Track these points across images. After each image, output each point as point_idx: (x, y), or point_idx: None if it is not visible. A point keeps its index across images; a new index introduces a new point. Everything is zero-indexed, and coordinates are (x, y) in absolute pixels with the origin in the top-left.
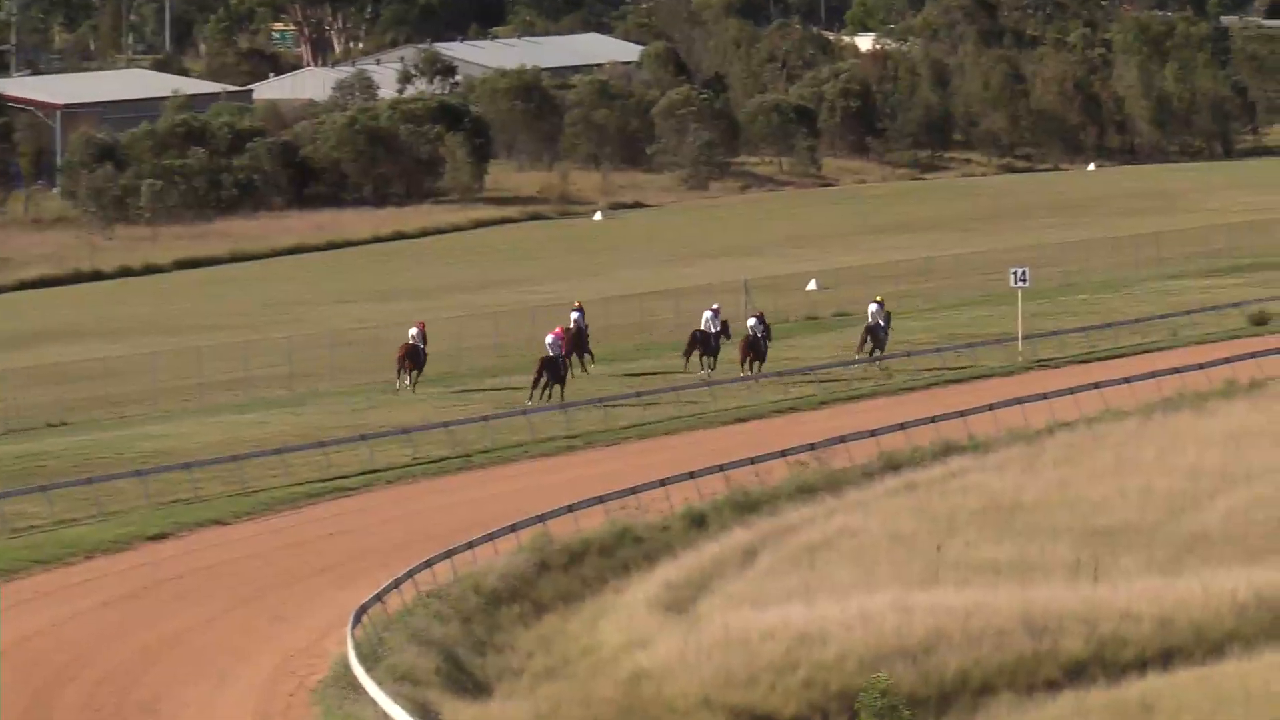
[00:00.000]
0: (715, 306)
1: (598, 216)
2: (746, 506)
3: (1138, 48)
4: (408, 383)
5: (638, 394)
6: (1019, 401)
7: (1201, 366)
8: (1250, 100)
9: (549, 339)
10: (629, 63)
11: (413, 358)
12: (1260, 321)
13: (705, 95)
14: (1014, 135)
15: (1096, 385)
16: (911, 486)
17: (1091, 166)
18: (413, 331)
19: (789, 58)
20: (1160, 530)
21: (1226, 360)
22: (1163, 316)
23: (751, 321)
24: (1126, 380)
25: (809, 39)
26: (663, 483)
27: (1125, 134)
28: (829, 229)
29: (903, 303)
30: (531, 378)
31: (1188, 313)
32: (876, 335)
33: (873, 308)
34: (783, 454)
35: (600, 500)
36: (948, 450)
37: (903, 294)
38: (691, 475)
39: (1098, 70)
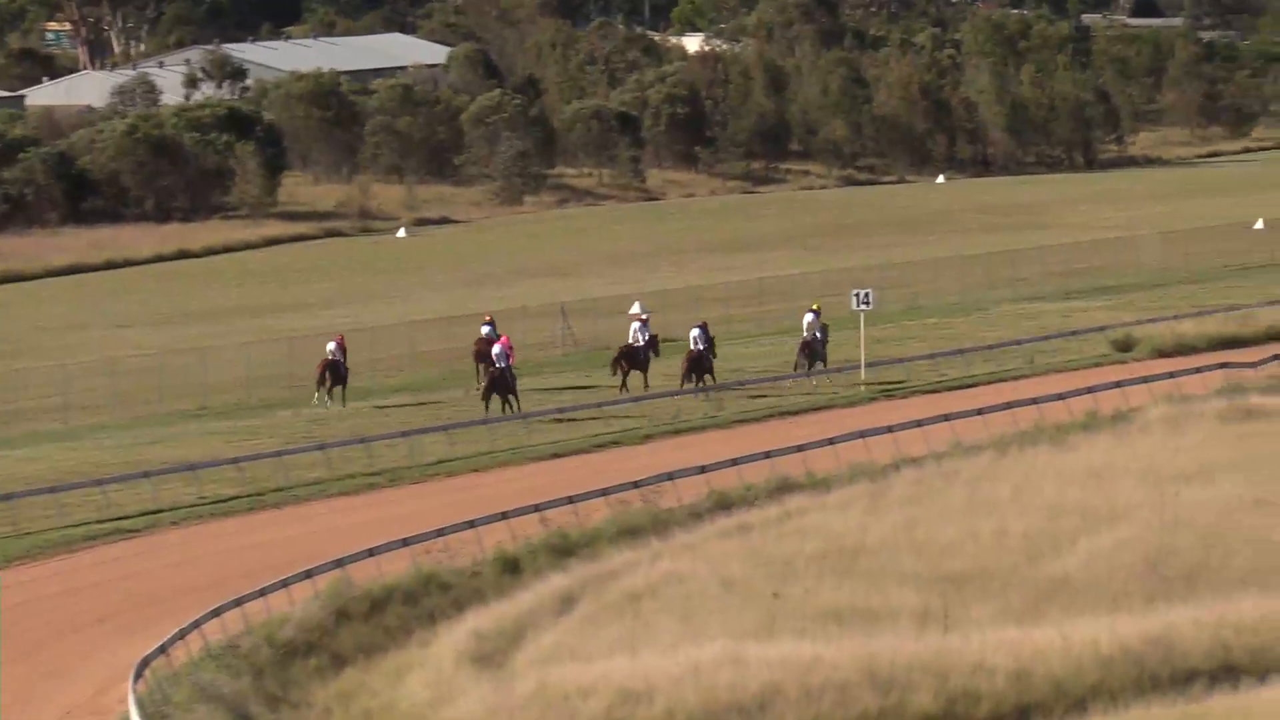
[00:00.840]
0: (644, 316)
1: (401, 233)
2: (564, 550)
3: (990, 49)
4: (328, 400)
5: (444, 427)
6: (861, 435)
7: (1061, 397)
8: (1114, 106)
9: (496, 349)
10: (435, 65)
11: (333, 372)
12: (1125, 348)
13: (518, 101)
14: (856, 145)
15: (946, 417)
16: (745, 528)
17: (940, 179)
18: (331, 346)
19: (610, 60)
20: (1016, 575)
21: (1089, 390)
22: (1019, 342)
23: (695, 333)
24: (979, 412)
25: (632, 40)
26: (472, 524)
27: (977, 143)
28: (654, 247)
29: (734, 328)
30: (481, 390)
31: (1046, 338)
32: (813, 349)
33: (808, 318)
34: (604, 492)
35: (405, 543)
36: (784, 488)
37: (734, 318)
38: (504, 516)
39: (947, 74)
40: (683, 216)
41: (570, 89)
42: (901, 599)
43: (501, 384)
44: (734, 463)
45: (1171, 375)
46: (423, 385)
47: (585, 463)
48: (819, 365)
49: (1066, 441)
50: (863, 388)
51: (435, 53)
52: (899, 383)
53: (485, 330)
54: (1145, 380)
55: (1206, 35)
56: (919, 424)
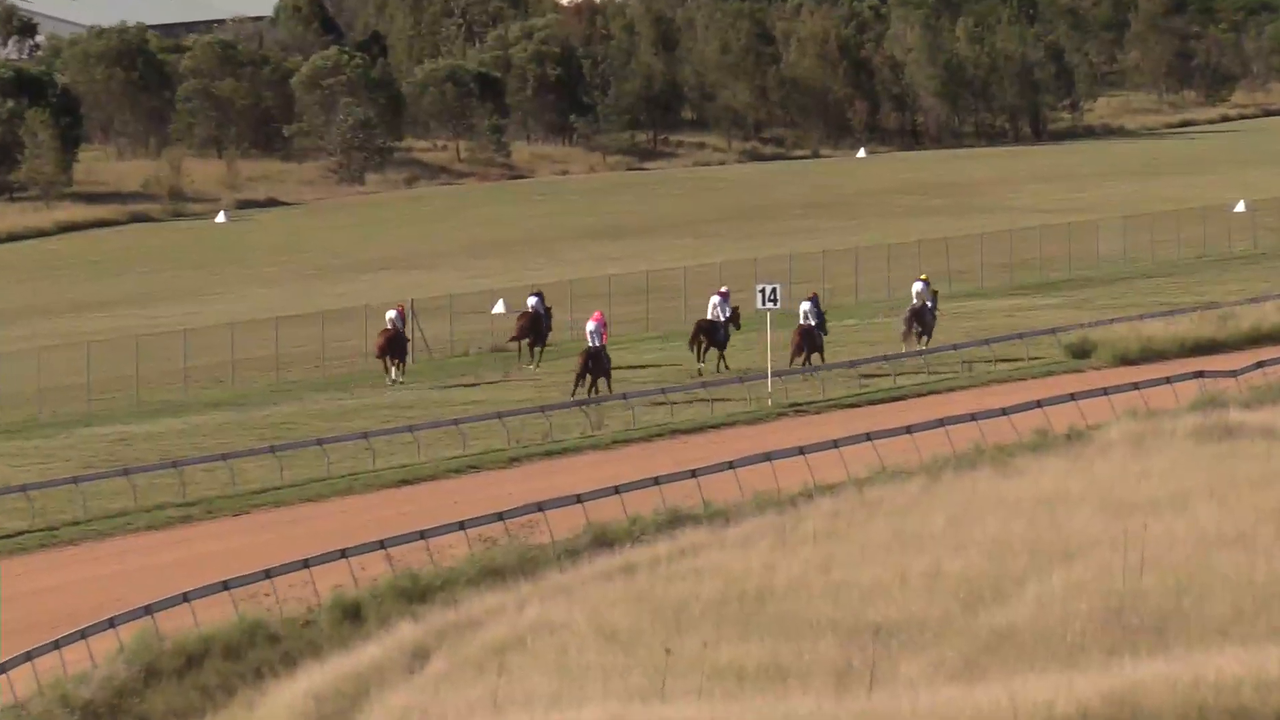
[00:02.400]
0: (724, 290)
1: (221, 218)
2: (415, 594)
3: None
4: (394, 376)
5: (271, 448)
6: (768, 457)
7: (1005, 412)
8: (1067, 66)
9: (591, 326)
10: (260, 18)
11: (394, 346)
12: (1081, 353)
13: (359, 61)
14: (761, 112)
15: (869, 436)
16: (630, 568)
17: (862, 153)
18: (391, 315)
19: (468, 12)
20: (953, 624)
21: (1038, 404)
22: (955, 346)
23: (805, 306)
24: (908, 430)
25: None
26: (306, 563)
27: (905, 111)
28: (521, 234)
29: (617, 329)
30: (575, 373)
31: (987, 341)
32: (923, 319)
33: (918, 286)
34: (462, 526)
35: (225, 586)
36: (676, 521)
37: (618, 318)
38: (344, 554)
39: (869, 28)
40: (555, 198)
41: (421, 46)
42: (816, 653)
43: (597, 365)
44: (617, 490)
45: (1136, 386)
46: (247, 399)
47: (440, 490)
48: (925, 339)
49: (1012, 465)
50: (769, 401)
51: (261, 3)
52: (812, 397)
53: (532, 302)
54: (1105, 392)
55: None
56: (836, 444)
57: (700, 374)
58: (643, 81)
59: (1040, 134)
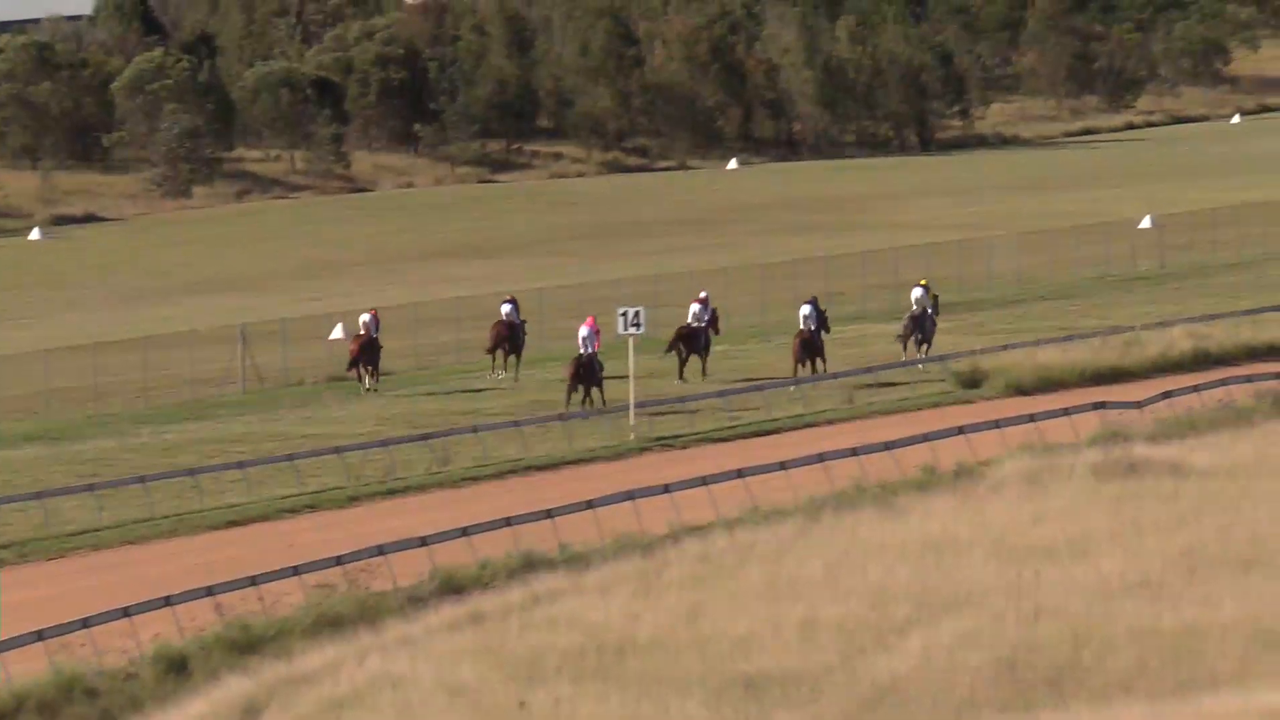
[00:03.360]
0: (703, 295)
1: (35, 235)
2: (246, 645)
3: None
4: (367, 385)
5: (90, 486)
6: (630, 496)
7: (889, 446)
8: (957, 69)
9: (583, 332)
10: (78, 18)
11: (367, 353)
12: (972, 383)
13: (186, 63)
14: (624, 120)
15: (740, 473)
16: (479, 618)
17: (733, 164)
18: (364, 318)
19: (304, 10)
20: (832, 678)
21: (924, 438)
22: (835, 375)
23: (805, 310)
24: (782, 466)
25: None
26: (127, 612)
27: (781, 119)
28: (361, 253)
29: (465, 358)
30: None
31: (870, 370)
32: (923, 327)
33: (917, 293)
34: (296, 571)
35: (39, 636)
36: (530, 565)
37: (466, 344)
38: (168, 601)
39: (741, 28)
40: (399, 213)
41: (253, 48)
42: (683, 710)
43: (589, 373)
44: (465, 532)
45: (1032, 419)
46: (62, 432)
47: (273, 532)
48: (925, 348)
49: (896, 505)
50: (632, 435)
51: (79, 1)
52: (679, 431)
53: (506, 310)
54: (997, 425)
55: None
56: (705, 482)
57: (684, 381)
58: (494, 86)
59: (928, 144)
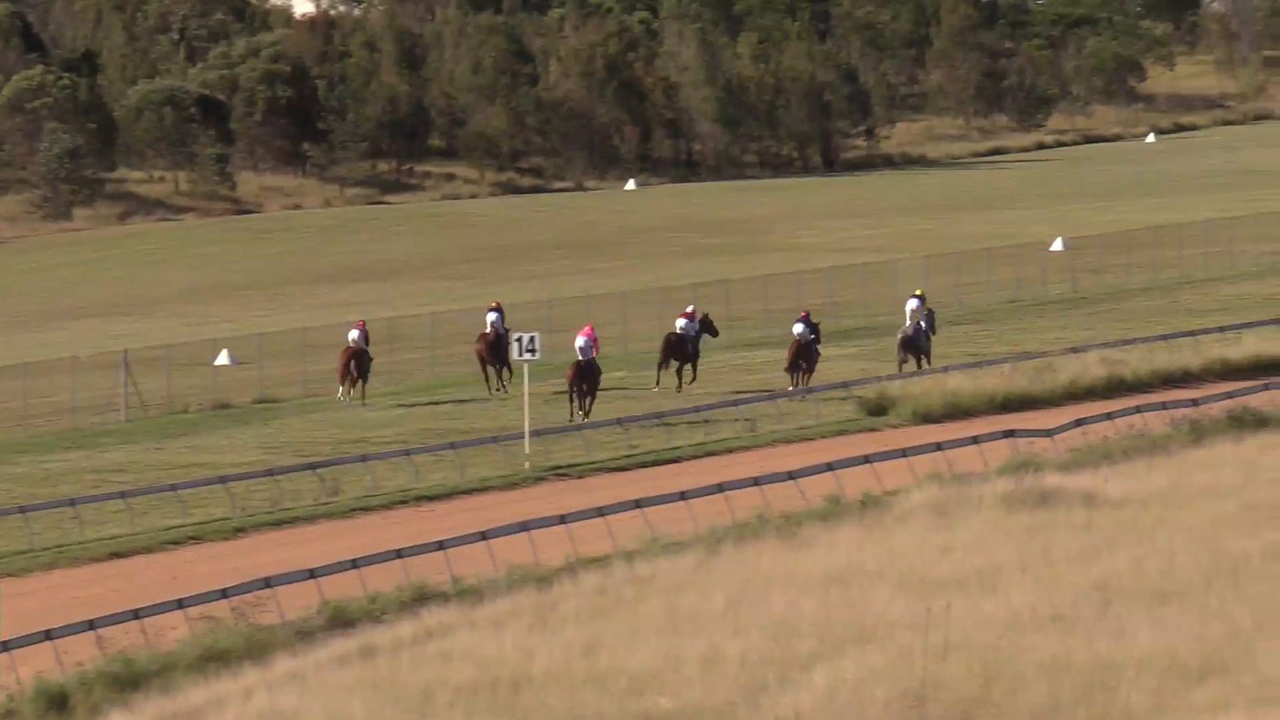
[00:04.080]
0: (689, 310)
1: None
2: (129, 681)
3: (699, 12)
4: (351, 393)
5: None
6: (524, 527)
7: (792, 476)
8: (862, 88)
9: (581, 341)
10: None
11: (358, 363)
12: (878, 410)
13: (67, 81)
14: (518, 140)
15: (639, 504)
16: (369, 652)
17: (631, 185)
18: (353, 335)
19: (188, 26)
20: (734, 714)
21: (828, 466)
22: (736, 403)
23: (799, 329)
24: (682, 496)
25: (218, 1)
26: (5, 646)
27: (680, 138)
28: (247, 276)
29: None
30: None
31: (772, 396)
32: (918, 343)
33: (912, 304)
34: (181, 604)
35: None
36: (422, 598)
37: None
38: (48, 635)
39: (640, 45)
40: (286, 235)
41: (136, 66)
42: None
43: (590, 381)
44: (355, 564)
45: (939, 447)
46: None
47: (156, 564)
48: (925, 361)
49: (800, 536)
50: (527, 464)
51: None
52: (576, 460)
53: (492, 319)
54: (904, 454)
55: None
56: (602, 513)
57: (679, 389)
58: (385, 105)
59: (832, 164)
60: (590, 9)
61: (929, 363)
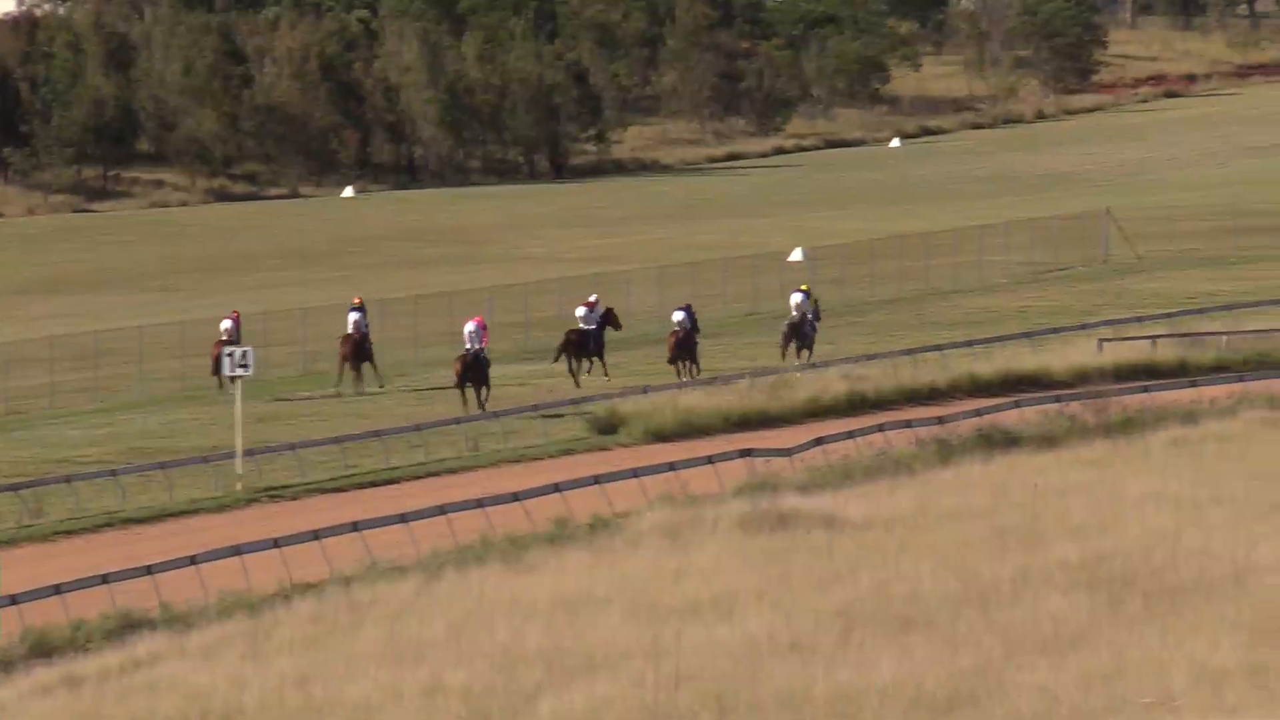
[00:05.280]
0: (592, 299)
1: None
2: None
3: (420, 10)
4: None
5: None
6: (237, 552)
7: (517, 497)
8: (592, 90)
9: (470, 328)
10: None
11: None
12: (608, 428)
13: None
14: (230, 145)
15: (355, 526)
16: (74, 682)
17: (349, 191)
18: (353, 316)
19: None
20: None
21: (555, 487)
22: (458, 421)
23: (679, 316)
24: (402, 518)
25: None
26: None
27: (402, 143)
28: None
29: (59, 400)
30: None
31: (496, 415)
32: (802, 333)
33: (796, 298)
34: None
35: None
36: (129, 626)
37: (61, 386)
38: None
39: (358, 45)
40: None
41: None
42: None
43: (476, 373)
44: (58, 590)
45: (672, 467)
46: None
47: None
48: (806, 354)
49: (525, 560)
50: (239, 485)
51: None
52: (291, 480)
53: (354, 317)
54: (635, 474)
55: None
56: (318, 536)
57: (579, 387)
58: (91, 107)
59: (560, 170)
60: (307, 8)
61: (810, 355)
